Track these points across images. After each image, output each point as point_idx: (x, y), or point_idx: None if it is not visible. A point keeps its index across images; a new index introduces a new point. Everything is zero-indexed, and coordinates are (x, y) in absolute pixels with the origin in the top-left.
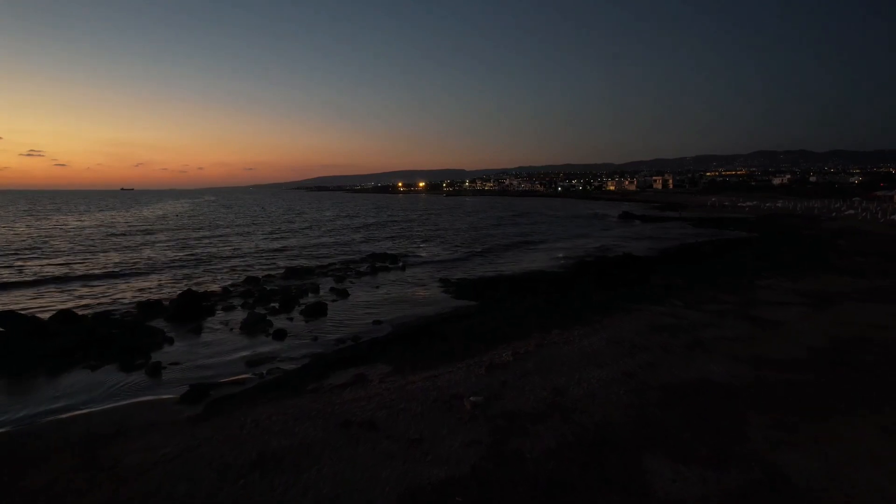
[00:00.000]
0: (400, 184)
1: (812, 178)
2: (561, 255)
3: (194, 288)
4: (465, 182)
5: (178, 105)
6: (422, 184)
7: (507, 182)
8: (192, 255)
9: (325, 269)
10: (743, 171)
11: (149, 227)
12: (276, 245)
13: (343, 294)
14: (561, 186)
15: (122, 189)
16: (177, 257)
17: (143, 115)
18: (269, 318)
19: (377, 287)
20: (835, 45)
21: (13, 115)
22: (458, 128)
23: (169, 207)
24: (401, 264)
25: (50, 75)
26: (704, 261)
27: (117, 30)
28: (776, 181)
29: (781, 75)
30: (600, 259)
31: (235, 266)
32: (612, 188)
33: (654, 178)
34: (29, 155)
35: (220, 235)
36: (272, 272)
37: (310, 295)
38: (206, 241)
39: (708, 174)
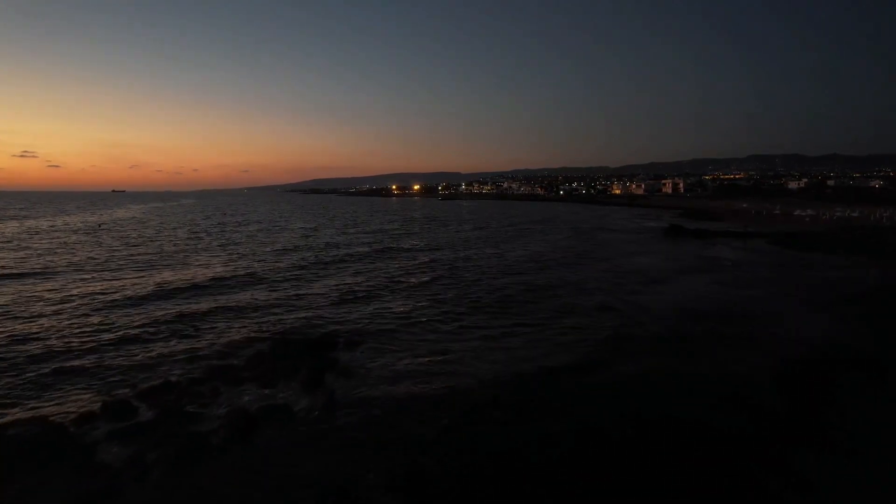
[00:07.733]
0: (394, 187)
1: (830, 182)
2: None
3: None
4: (462, 185)
5: (173, 107)
6: (416, 186)
7: (505, 185)
8: None
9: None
10: (741, 175)
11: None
12: (160, 307)
13: None
14: (563, 190)
15: (114, 191)
16: None
17: (138, 116)
18: None
19: None
20: (830, 48)
21: (6, 116)
22: (453, 130)
23: (117, 214)
24: (328, 383)
25: (44, 76)
26: None
27: (112, 30)
28: (793, 185)
29: (776, 78)
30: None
31: None
32: (617, 192)
33: (664, 181)
34: (22, 156)
35: (88, 274)
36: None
37: None
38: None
39: (707, 177)
